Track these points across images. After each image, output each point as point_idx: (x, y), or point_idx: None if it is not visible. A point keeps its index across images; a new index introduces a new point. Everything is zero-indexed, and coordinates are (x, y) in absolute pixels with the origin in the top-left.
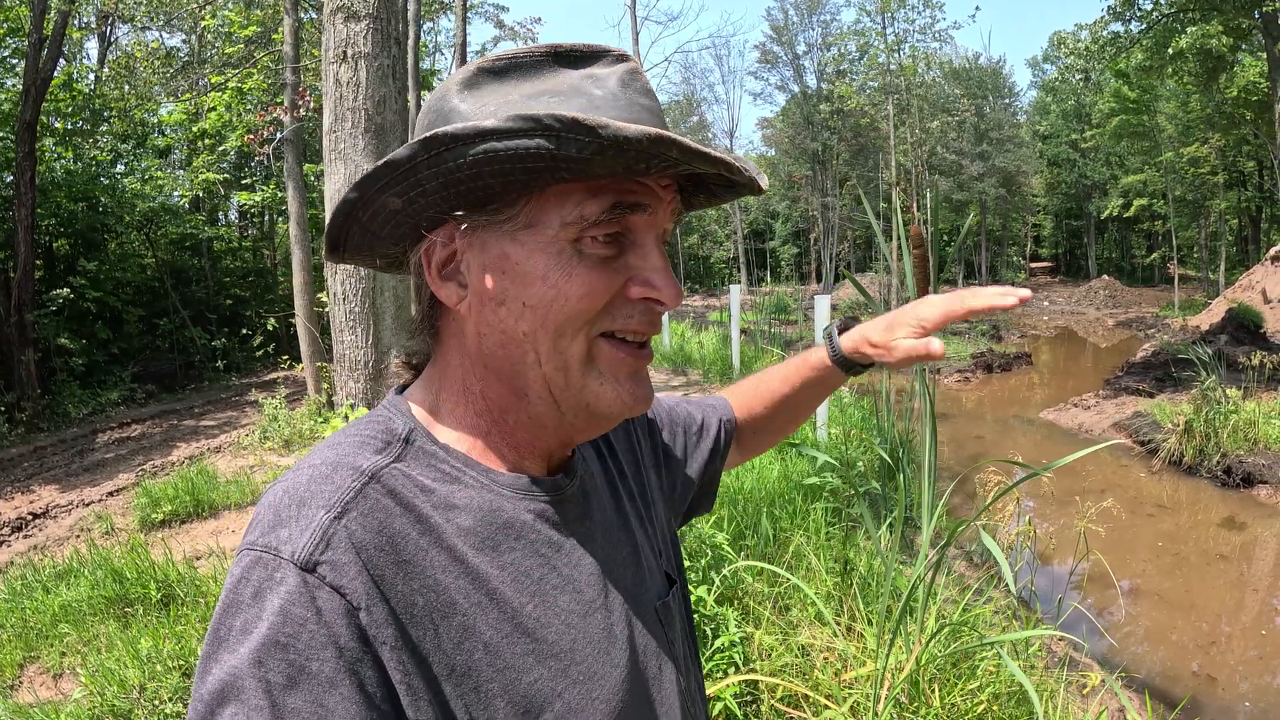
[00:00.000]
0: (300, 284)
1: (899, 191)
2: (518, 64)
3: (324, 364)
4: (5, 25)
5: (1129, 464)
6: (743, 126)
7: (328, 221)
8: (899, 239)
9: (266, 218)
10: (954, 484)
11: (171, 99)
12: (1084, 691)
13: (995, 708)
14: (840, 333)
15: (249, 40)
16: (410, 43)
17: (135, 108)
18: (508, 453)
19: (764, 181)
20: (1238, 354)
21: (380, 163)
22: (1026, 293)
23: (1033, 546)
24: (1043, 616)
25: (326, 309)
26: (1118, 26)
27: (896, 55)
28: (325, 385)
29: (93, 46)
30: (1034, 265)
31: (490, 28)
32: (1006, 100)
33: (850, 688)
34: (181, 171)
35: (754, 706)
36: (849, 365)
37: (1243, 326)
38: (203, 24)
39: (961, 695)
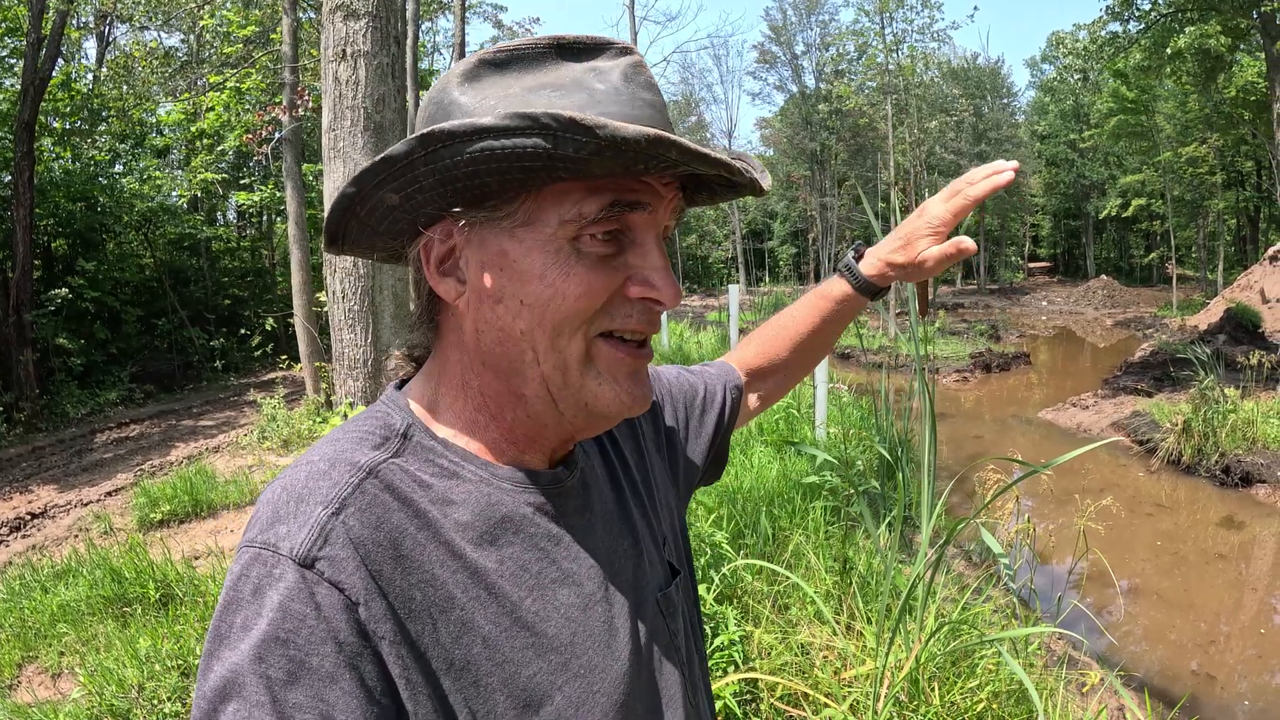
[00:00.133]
0: (299, 284)
1: (898, 191)
2: (520, 56)
3: (322, 364)
4: (3, 25)
5: (1127, 463)
6: (741, 126)
7: (326, 215)
8: None
9: (265, 217)
10: (952, 483)
11: (170, 99)
12: (1084, 690)
13: (995, 706)
14: (857, 261)
15: (247, 40)
16: (409, 42)
17: (133, 107)
18: (507, 447)
19: (766, 181)
20: (1236, 353)
21: (378, 158)
22: (1015, 164)
23: (1032, 545)
24: (1042, 615)
25: (325, 308)
26: (1116, 26)
27: (895, 55)
28: (324, 385)
29: (91, 46)
30: (1032, 265)
31: (489, 27)
32: (1005, 100)
33: (850, 686)
34: (180, 171)
35: (754, 705)
36: (873, 291)
37: (1241, 326)
38: (201, 24)
39: (961, 693)
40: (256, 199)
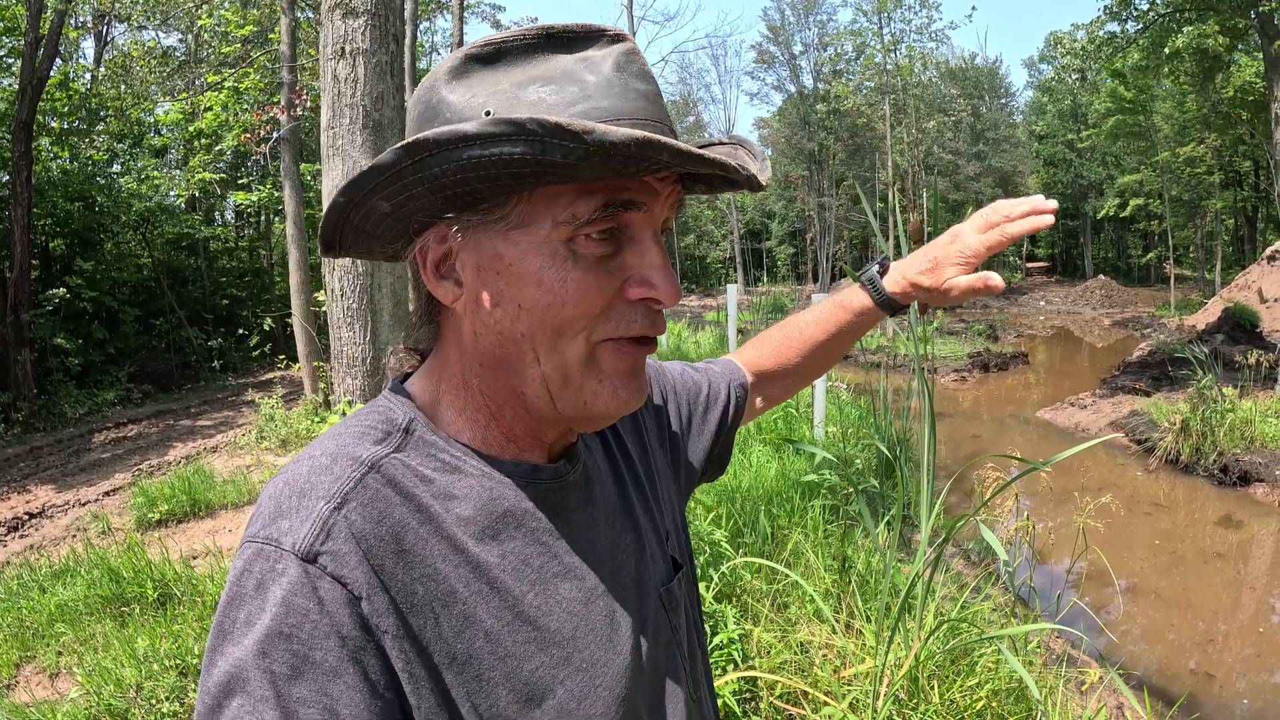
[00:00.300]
0: (297, 283)
1: (896, 191)
2: (508, 49)
3: (321, 363)
4: (1, 24)
5: (1126, 462)
6: (739, 126)
7: (321, 222)
8: (896, 238)
9: (263, 217)
10: (951, 482)
11: (168, 98)
12: (1083, 688)
13: (994, 704)
14: (881, 275)
15: (246, 40)
16: (407, 42)
17: (132, 107)
18: (507, 444)
19: (765, 176)
20: (1234, 353)
21: (366, 167)
22: (1054, 204)
23: (1031, 543)
24: (1041, 613)
25: (324, 308)
26: (1114, 26)
27: (893, 55)
28: (322, 385)
29: (89, 46)
30: (1030, 265)
31: (487, 27)
32: (1003, 100)
33: (849, 684)
34: (178, 171)
35: (753, 704)
36: (894, 308)
37: (1239, 326)
38: (199, 23)
39: (961, 691)
40: (254, 199)
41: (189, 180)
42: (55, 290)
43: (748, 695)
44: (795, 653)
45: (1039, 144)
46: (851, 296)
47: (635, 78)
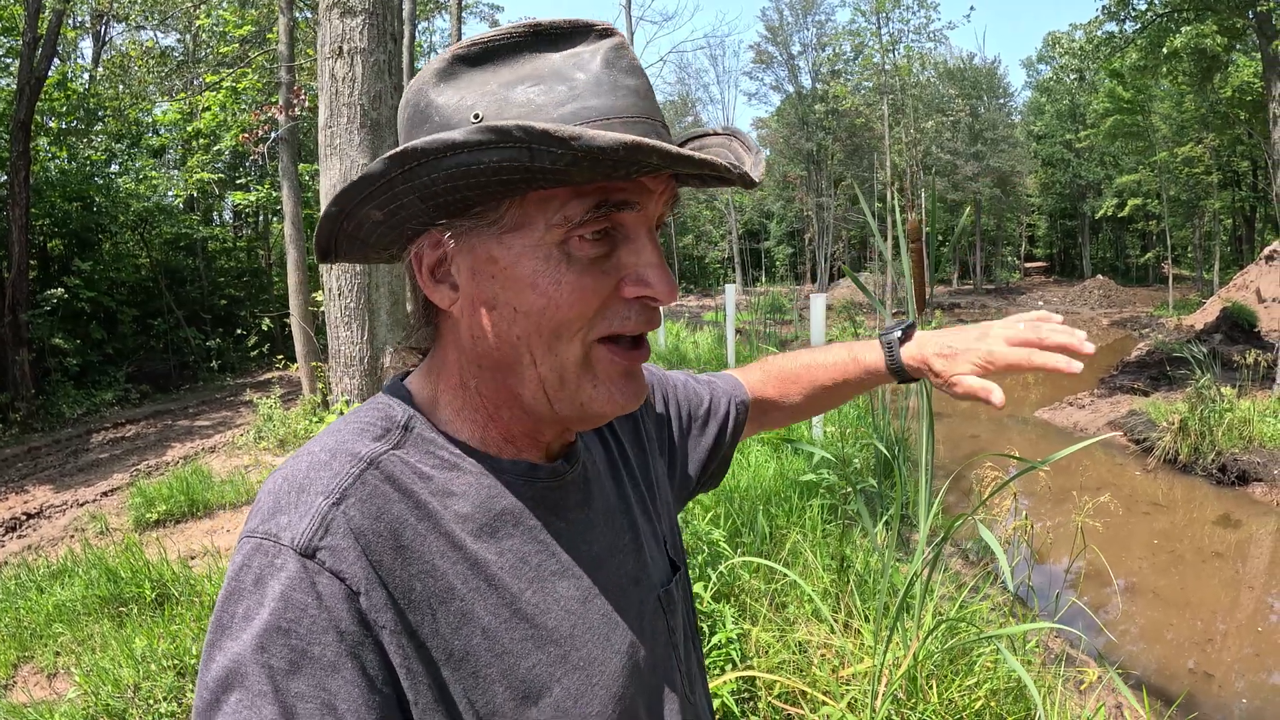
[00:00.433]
0: (295, 283)
1: (894, 190)
2: (495, 48)
3: (319, 363)
4: (0, 24)
5: (1124, 462)
6: (737, 126)
7: (316, 231)
8: (894, 238)
9: (261, 217)
10: (949, 481)
11: (166, 98)
12: (1081, 688)
13: (993, 703)
14: (901, 341)
15: (244, 39)
16: (405, 42)
17: (130, 107)
18: (505, 444)
19: (758, 172)
20: (1232, 353)
21: (357, 178)
22: (1091, 348)
23: (1029, 543)
24: (1040, 613)
25: (322, 307)
26: (1112, 26)
27: (891, 55)
28: (320, 385)
29: (87, 46)
30: (1029, 265)
31: (485, 27)
32: (1001, 100)
33: (848, 684)
34: (176, 171)
35: (751, 703)
36: (904, 376)
37: (1237, 325)
38: (197, 23)
39: (959, 691)
40: (253, 199)
41: (187, 180)
42: (53, 290)
43: (746, 695)
44: (794, 652)
45: (1037, 144)
46: (867, 352)
47: (624, 73)
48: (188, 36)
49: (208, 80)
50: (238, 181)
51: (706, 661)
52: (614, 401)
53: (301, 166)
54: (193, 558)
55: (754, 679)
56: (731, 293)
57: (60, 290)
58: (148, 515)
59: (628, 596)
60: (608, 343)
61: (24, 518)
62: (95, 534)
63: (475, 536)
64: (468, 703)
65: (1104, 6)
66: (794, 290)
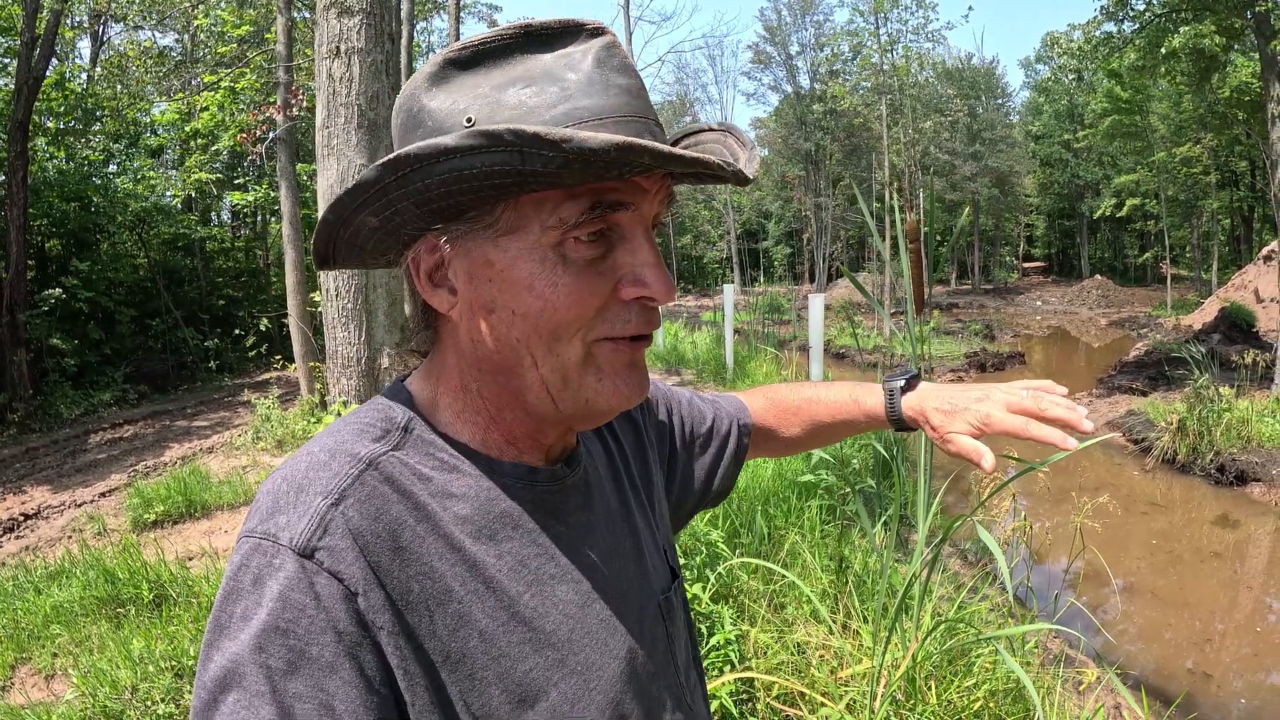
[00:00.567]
0: (293, 284)
1: (892, 191)
2: (486, 51)
3: (317, 364)
4: None
5: (1122, 462)
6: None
7: (313, 239)
8: (892, 238)
9: (259, 217)
10: (948, 482)
11: (164, 98)
12: (1080, 688)
13: (992, 704)
14: (903, 390)
15: (242, 39)
16: (404, 42)
17: (128, 107)
18: (506, 446)
19: (752, 168)
20: (1230, 353)
21: (351, 185)
22: (1091, 426)
23: (1028, 543)
24: (1038, 613)
25: (319, 308)
26: (1110, 26)
27: (889, 56)
28: (318, 385)
29: (85, 46)
30: (1027, 265)
31: (483, 27)
32: (999, 101)
33: (847, 685)
34: (174, 171)
35: (750, 705)
36: (901, 425)
37: (1235, 325)
38: (195, 23)
39: (958, 692)
40: (251, 199)
41: (185, 180)
42: (51, 291)
43: (745, 696)
44: (792, 653)
45: (1035, 144)
46: (868, 395)
47: (616, 73)
48: (186, 36)
49: (206, 80)
50: (236, 182)
51: (705, 663)
52: (620, 394)
53: (299, 166)
54: (190, 559)
55: (752, 680)
56: (730, 293)
57: (58, 290)
58: (145, 516)
59: (627, 602)
60: (609, 341)
61: (22, 518)
62: (93, 535)
63: (474, 539)
64: (464, 705)
65: (1102, 7)
66: (792, 290)
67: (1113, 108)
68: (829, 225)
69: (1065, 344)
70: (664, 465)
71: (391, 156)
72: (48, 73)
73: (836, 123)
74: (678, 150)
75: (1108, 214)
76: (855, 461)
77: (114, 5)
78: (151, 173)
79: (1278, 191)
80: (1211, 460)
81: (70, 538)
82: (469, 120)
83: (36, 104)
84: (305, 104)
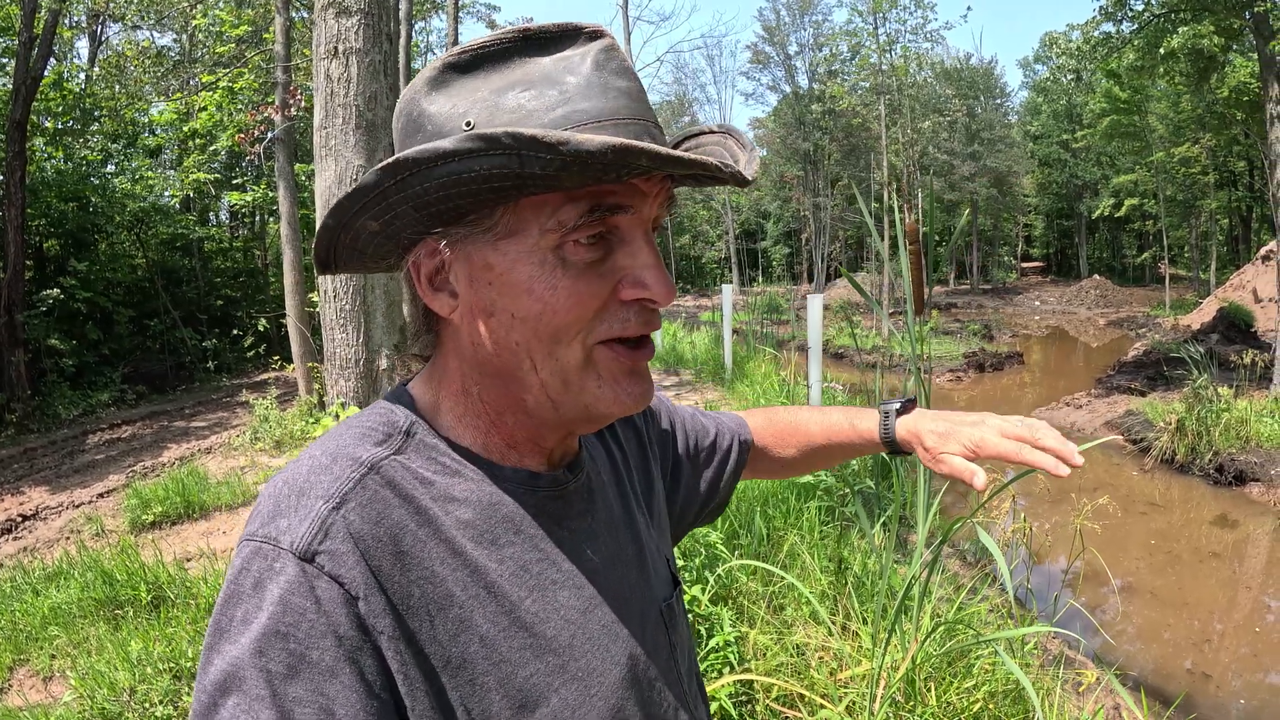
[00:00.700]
0: (291, 284)
1: (891, 191)
2: (485, 55)
3: (315, 364)
4: None
5: (1121, 462)
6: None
7: (314, 244)
8: (891, 238)
9: (257, 218)
10: (948, 483)
11: (162, 98)
12: (1080, 689)
13: (991, 706)
14: (899, 413)
15: (240, 39)
16: (402, 42)
17: (126, 107)
18: (508, 450)
19: (752, 169)
20: (1229, 353)
21: (351, 190)
22: (1081, 461)
23: (1028, 544)
24: (1038, 614)
25: (318, 308)
26: (1109, 27)
27: (888, 56)
28: (317, 386)
29: (83, 45)
30: (1025, 265)
31: (482, 27)
32: (998, 101)
33: (846, 687)
34: (172, 171)
35: (749, 706)
36: (894, 448)
37: (1234, 325)
38: (194, 23)
39: (958, 694)
40: (249, 199)
41: (183, 180)
42: (49, 291)
43: (744, 698)
44: (791, 655)
45: (1034, 144)
46: (863, 419)
47: (615, 75)
48: (184, 36)
49: (204, 80)
50: (234, 182)
51: (704, 665)
52: (619, 401)
53: (298, 167)
54: (188, 560)
55: (752, 682)
56: (729, 293)
57: (56, 291)
58: (143, 517)
59: (629, 608)
60: (609, 343)
61: (20, 519)
62: (91, 536)
63: (476, 543)
64: (464, 710)
65: (1101, 7)
66: (791, 290)
67: (1111, 108)
68: (827, 225)
69: (1064, 344)
70: (667, 475)
71: (390, 160)
72: (46, 72)
73: (835, 123)
74: (675, 152)
75: (1106, 214)
76: (854, 462)
77: (112, 5)
78: (150, 173)
79: (1276, 191)
80: (1210, 460)
81: (68, 539)
82: (468, 124)
83: (35, 104)
84: (303, 104)
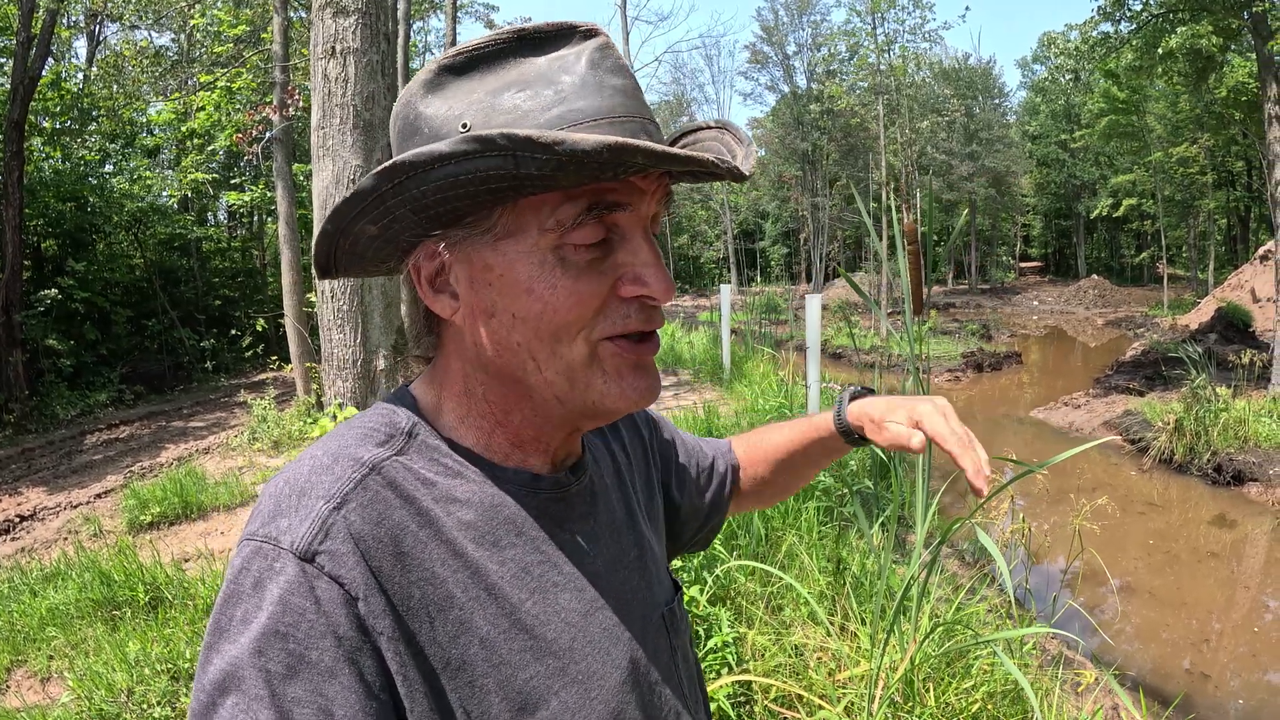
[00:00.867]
0: (289, 284)
1: (889, 191)
2: (481, 56)
3: (313, 364)
4: None
5: (1120, 462)
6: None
7: (313, 248)
8: (889, 237)
9: (255, 218)
10: (946, 483)
11: (160, 98)
12: (1078, 690)
13: (990, 706)
14: (852, 400)
15: (238, 39)
16: (400, 41)
17: (124, 107)
18: (511, 451)
19: (749, 165)
20: (1227, 352)
21: (349, 194)
22: (984, 490)
23: (1026, 545)
24: (1036, 615)
25: (316, 308)
26: (1107, 27)
27: (886, 56)
28: (315, 386)
29: (81, 45)
30: (1023, 265)
31: (480, 27)
32: (996, 101)
33: (845, 688)
34: (170, 171)
35: (748, 707)
36: (848, 433)
37: (1232, 325)
38: (192, 23)
39: (956, 694)
40: (247, 199)
41: (181, 180)
42: (47, 291)
43: (742, 699)
44: (790, 656)
45: (1032, 144)
46: (821, 416)
47: (610, 73)
48: (182, 36)
49: (202, 80)
50: (232, 182)
51: (703, 666)
52: (626, 396)
53: (296, 167)
54: (186, 560)
55: (750, 683)
56: (727, 293)
57: (54, 291)
58: (141, 517)
59: (631, 612)
60: (614, 339)
61: (17, 520)
62: (89, 536)
63: (477, 545)
64: (464, 712)
65: (1099, 7)
66: (789, 290)
67: (1109, 108)
68: (826, 225)
69: (1062, 344)
70: (670, 486)
71: (387, 164)
72: (44, 72)
73: (833, 123)
74: (671, 149)
75: (1104, 214)
76: (853, 462)
77: (110, 5)
78: (147, 173)
79: (1274, 191)
80: (1208, 460)
81: (66, 539)
82: (464, 126)
83: (32, 104)
84: (301, 104)
